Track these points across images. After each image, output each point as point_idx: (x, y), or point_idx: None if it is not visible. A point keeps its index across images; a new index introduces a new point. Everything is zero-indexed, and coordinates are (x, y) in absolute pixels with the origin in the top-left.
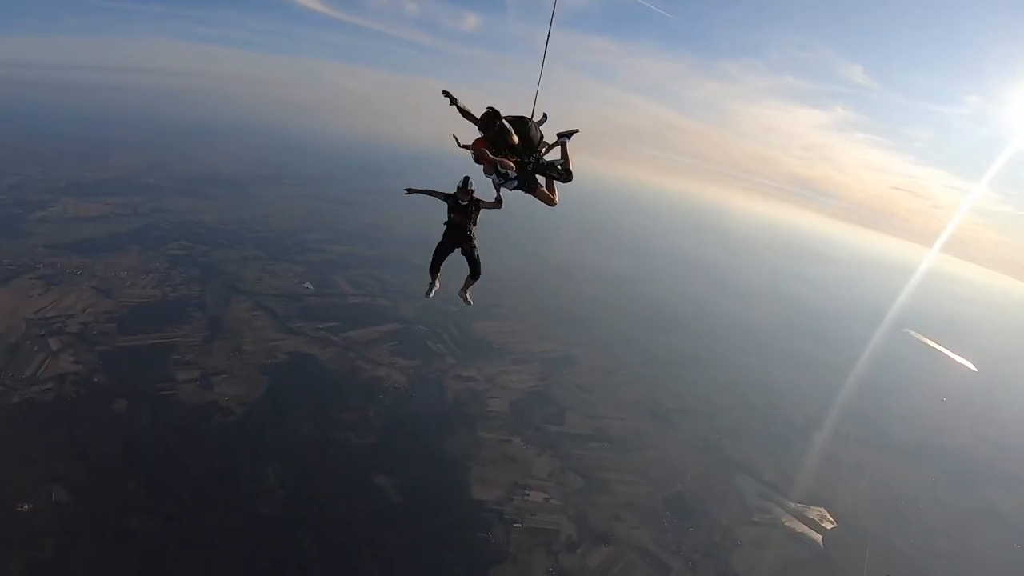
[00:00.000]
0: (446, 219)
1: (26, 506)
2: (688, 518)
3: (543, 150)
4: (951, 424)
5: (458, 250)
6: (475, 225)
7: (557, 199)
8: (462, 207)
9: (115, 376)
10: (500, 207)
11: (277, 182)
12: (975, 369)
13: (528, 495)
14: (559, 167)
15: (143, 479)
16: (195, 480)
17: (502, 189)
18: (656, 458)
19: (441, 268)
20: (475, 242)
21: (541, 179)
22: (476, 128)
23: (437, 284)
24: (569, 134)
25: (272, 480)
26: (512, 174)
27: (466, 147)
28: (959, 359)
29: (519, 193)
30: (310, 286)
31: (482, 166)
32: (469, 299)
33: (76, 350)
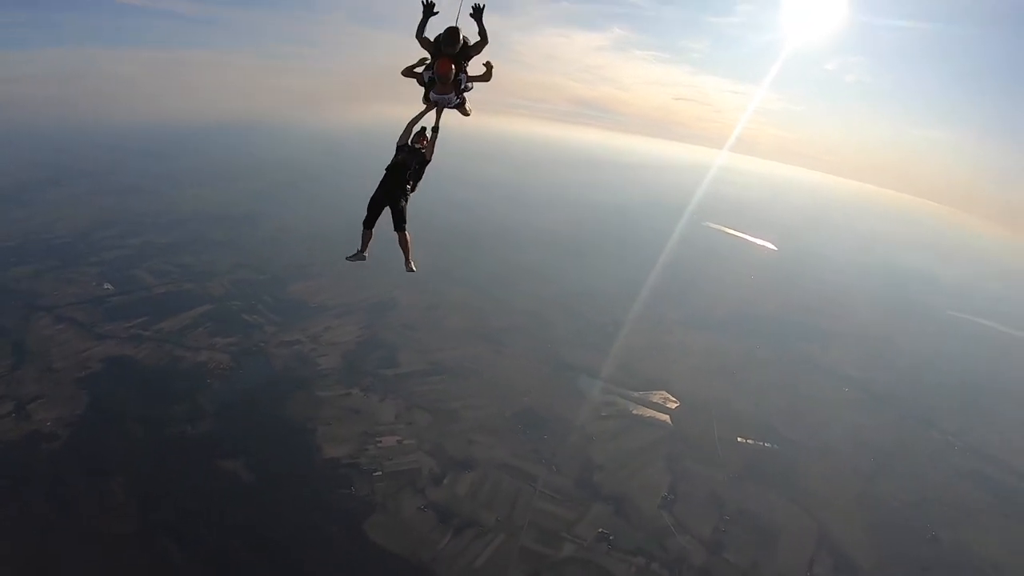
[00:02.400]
0: (390, 163)
1: None
2: (541, 427)
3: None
4: (761, 297)
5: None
6: (416, 181)
7: (472, 109)
8: (412, 150)
9: None
10: (438, 134)
11: (55, 184)
12: (775, 248)
13: (380, 442)
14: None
15: None
16: (37, 519)
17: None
18: (496, 378)
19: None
20: (408, 196)
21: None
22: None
23: (366, 255)
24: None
25: (119, 495)
26: (468, 89)
27: (416, 72)
28: (759, 241)
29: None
30: (110, 286)
31: (435, 89)
32: (413, 267)
33: None
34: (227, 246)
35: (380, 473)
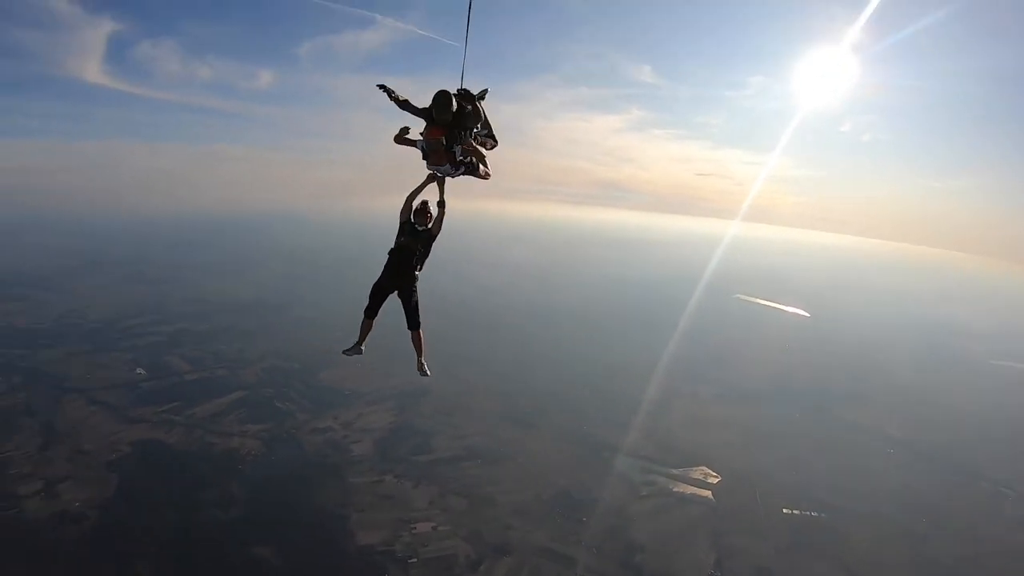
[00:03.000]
0: (393, 246)
1: None
2: (579, 509)
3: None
4: (797, 364)
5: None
6: (423, 261)
7: (491, 170)
8: (416, 231)
9: None
10: (445, 209)
11: (88, 272)
12: (807, 314)
13: (415, 528)
14: (490, 136)
15: None
16: None
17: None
18: (530, 461)
19: (376, 317)
20: (416, 284)
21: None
22: (413, 121)
23: (363, 349)
24: (483, 95)
25: None
26: (476, 162)
27: (407, 139)
28: (791, 310)
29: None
30: (142, 371)
31: (429, 160)
32: (427, 371)
33: None
34: (259, 334)
35: (415, 560)
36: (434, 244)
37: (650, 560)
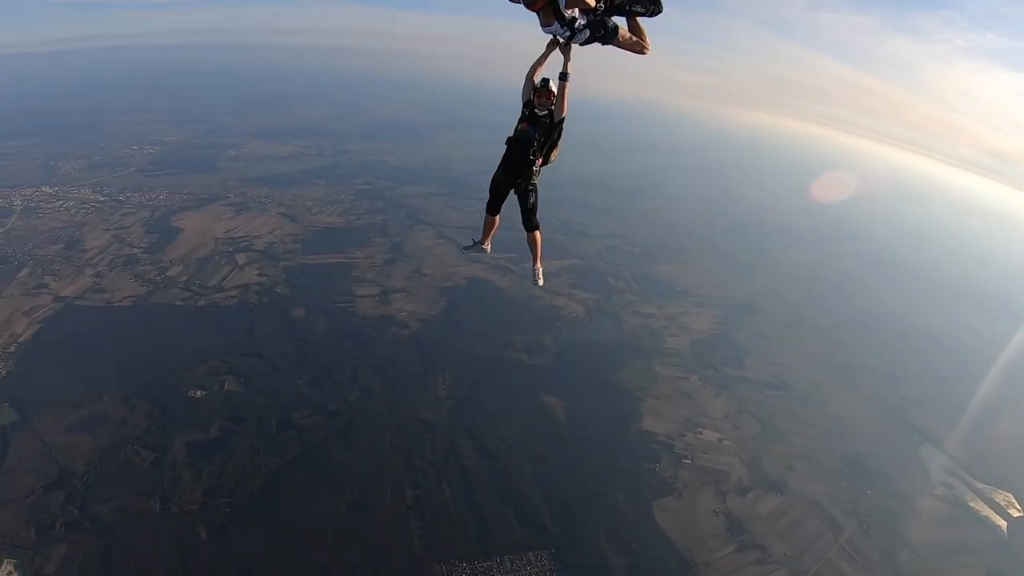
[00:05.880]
0: (511, 135)
1: (199, 393)
2: (866, 480)
3: None
4: None
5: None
6: (543, 158)
7: (648, 44)
8: (535, 118)
9: (296, 288)
10: (567, 82)
11: (450, 129)
12: None
13: (701, 433)
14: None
15: (313, 378)
16: (364, 383)
17: (571, 48)
18: (836, 414)
19: (501, 213)
20: (535, 179)
21: (620, 20)
22: None
23: (487, 246)
24: None
25: (441, 390)
26: (581, 19)
27: None
28: None
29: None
30: None
31: (537, 12)
32: (540, 278)
33: (261, 265)
34: (605, 214)
35: (689, 462)
36: (563, 129)
37: (913, 563)
